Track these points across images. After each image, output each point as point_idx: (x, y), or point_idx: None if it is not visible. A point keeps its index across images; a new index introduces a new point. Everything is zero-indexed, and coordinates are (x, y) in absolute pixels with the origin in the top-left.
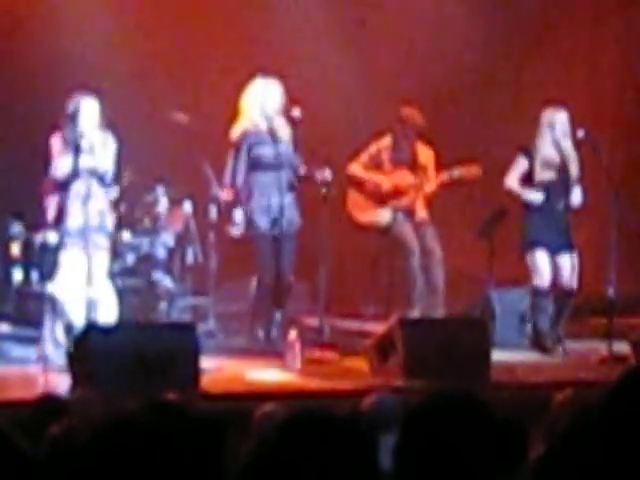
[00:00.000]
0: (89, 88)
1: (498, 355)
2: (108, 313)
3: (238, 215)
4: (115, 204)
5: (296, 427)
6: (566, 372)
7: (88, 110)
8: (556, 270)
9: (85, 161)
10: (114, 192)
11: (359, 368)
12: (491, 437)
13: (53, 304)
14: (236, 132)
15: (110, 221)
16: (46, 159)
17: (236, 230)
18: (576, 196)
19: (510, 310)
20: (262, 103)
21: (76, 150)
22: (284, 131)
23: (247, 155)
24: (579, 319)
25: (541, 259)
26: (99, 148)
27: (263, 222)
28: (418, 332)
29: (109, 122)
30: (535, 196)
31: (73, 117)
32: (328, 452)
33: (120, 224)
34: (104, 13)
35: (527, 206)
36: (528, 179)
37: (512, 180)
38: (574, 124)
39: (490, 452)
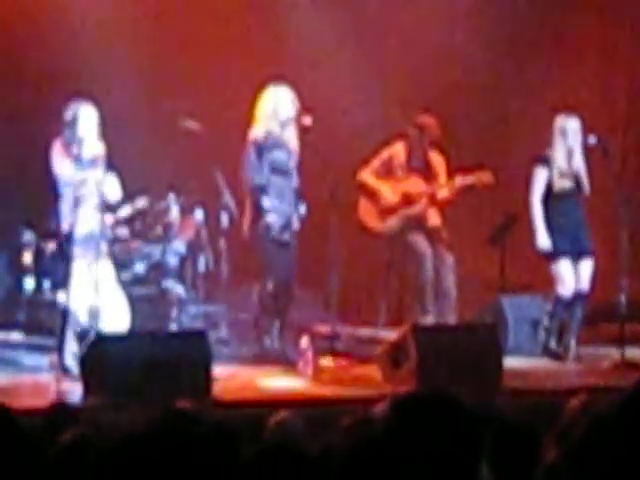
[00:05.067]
0: (87, 95)
1: (510, 361)
2: (118, 321)
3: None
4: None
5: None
6: (578, 378)
7: (86, 117)
8: (576, 276)
9: (87, 167)
10: (126, 211)
11: (371, 375)
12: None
13: (65, 313)
14: (252, 136)
15: (111, 228)
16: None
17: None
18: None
19: (522, 316)
20: (275, 110)
21: (77, 157)
22: (294, 141)
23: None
24: (591, 325)
25: (565, 269)
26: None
27: (276, 226)
28: (430, 339)
29: (111, 163)
30: (544, 241)
31: (71, 124)
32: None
33: (132, 234)
34: (115, 20)
35: (547, 216)
36: (548, 188)
37: (536, 199)
38: (585, 130)
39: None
